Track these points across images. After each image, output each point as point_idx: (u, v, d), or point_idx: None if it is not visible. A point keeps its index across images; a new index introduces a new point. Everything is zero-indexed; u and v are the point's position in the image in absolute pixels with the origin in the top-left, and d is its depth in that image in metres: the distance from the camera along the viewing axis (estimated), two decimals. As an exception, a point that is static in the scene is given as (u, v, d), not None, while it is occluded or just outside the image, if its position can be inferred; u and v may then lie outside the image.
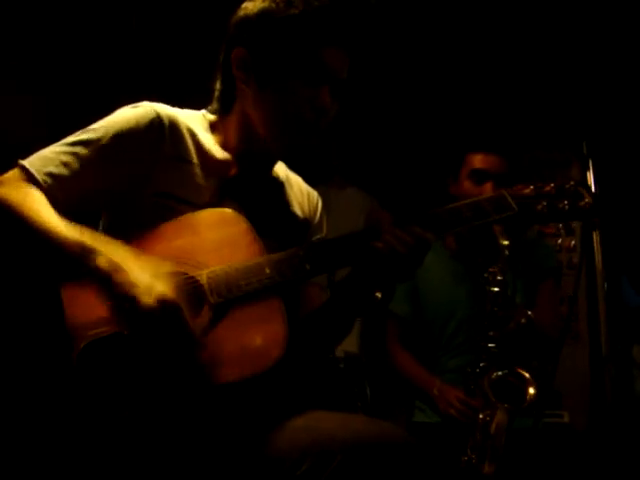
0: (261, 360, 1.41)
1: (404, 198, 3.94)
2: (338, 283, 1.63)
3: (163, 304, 1.34)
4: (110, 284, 1.36)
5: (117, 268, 1.37)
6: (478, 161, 2.79)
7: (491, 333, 2.44)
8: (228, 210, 1.55)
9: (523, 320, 2.51)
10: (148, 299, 1.34)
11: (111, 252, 1.40)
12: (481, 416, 2.38)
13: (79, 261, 1.38)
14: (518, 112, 3.97)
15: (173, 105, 1.68)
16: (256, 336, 1.44)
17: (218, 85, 1.72)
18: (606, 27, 3.58)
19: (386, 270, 1.52)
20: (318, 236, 1.81)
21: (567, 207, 1.53)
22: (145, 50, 4.71)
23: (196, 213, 1.55)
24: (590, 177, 2.23)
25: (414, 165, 4.18)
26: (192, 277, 1.46)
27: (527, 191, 1.56)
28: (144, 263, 1.41)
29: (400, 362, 2.92)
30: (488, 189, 2.71)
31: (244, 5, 1.67)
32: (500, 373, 2.39)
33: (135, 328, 1.37)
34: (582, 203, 1.53)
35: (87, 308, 1.40)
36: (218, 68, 1.71)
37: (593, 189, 2.21)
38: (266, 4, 1.62)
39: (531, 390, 2.35)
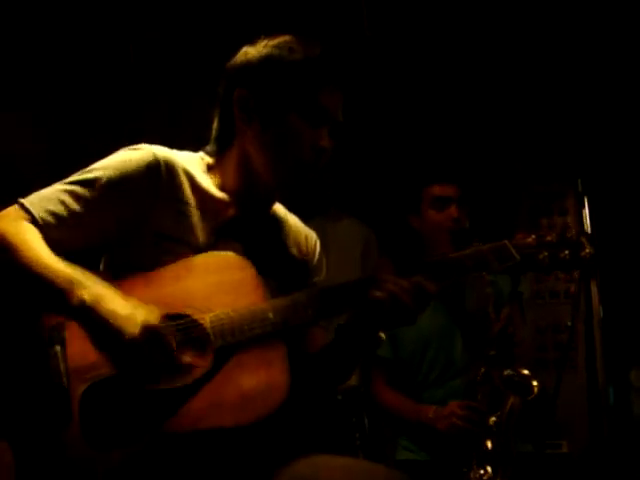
0: (263, 405, 1.44)
1: (401, 229, 3.94)
2: (341, 325, 1.64)
3: (147, 332, 1.36)
4: (91, 317, 1.38)
5: (99, 300, 1.39)
6: (437, 190, 2.90)
7: (488, 336, 2.45)
8: (231, 254, 1.56)
9: (510, 329, 2.51)
10: (132, 328, 1.36)
11: (96, 286, 1.42)
12: (493, 419, 2.37)
13: (63, 295, 1.39)
14: (515, 145, 4.01)
15: (172, 143, 1.71)
16: (258, 381, 1.45)
17: (216, 125, 1.74)
18: (603, 63, 3.61)
19: (389, 318, 1.53)
20: (317, 278, 1.82)
21: (568, 257, 1.54)
22: (143, 75, 4.75)
23: (199, 256, 1.56)
24: (585, 214, 2.24)
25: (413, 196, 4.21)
26: (196, 320, 1.48)
27: (529, 240, 1.56)
28: (128, 298, 1.43)
29: (389, 400, 2.90)
30: (453, 211, 2.83)
31: (245, 50, 1.71)
32: (510, 371, 2.38)
33: (120, 361, 1.39)
34: (583, 253, 1.54)
35: (86, 347, 1.40)
36: (217, 108, 1.74)
37: (589, 225, 2.22)
38: (269, 50, 1.66)
39: (534, 382, 2.35)
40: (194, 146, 1.79)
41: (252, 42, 1.71)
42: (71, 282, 1.40)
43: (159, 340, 1.38)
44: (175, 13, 4.48)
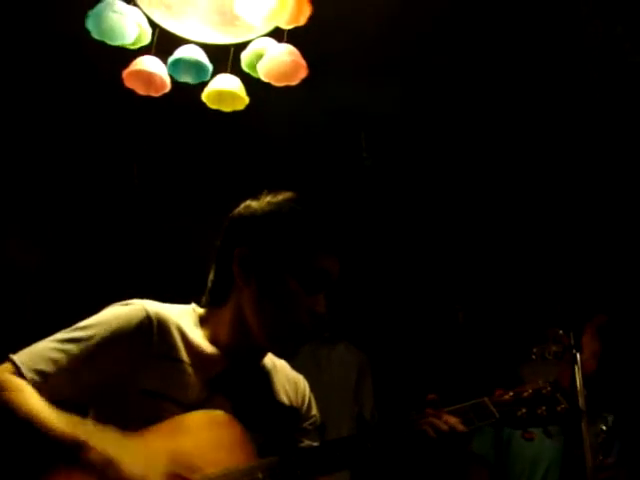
0: None
1: (395, 354, 4.00)
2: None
3: None
4: (102, 478, 1.39)
5: (109, 462, 1.40)
6: None
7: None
8: (219, 412, 1.58)
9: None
10: None
11: (104, 444, 1.43)
12: None
13: (72, 455, 1.40)
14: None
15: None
16: None
17: (213, 277, 1.76)
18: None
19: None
20: (310, 421, 1.83)
21: (545, 412, 1.60)
22: (146, 196, 4.89)
23: (187, 415, 1.57)
24: (578, 370, 2.25)
25: (406, 320, 4.28)
26: None
27: (507, 397, 1.62)
28: (136, 456, 1.44)
29: None
30: None
31: (248, 203, 1.74)
32: None
33: None
34: (559, 408, 1.60)
35: None
36: (214, 261, 1.76)
37: (579, 381, 2.26)
38: (272, 208, 1.69)
39: None
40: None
41: (255, 196, 1.75)
42: (75, 443, 1.42)
43: None
44: (179, 135, 4.65)
